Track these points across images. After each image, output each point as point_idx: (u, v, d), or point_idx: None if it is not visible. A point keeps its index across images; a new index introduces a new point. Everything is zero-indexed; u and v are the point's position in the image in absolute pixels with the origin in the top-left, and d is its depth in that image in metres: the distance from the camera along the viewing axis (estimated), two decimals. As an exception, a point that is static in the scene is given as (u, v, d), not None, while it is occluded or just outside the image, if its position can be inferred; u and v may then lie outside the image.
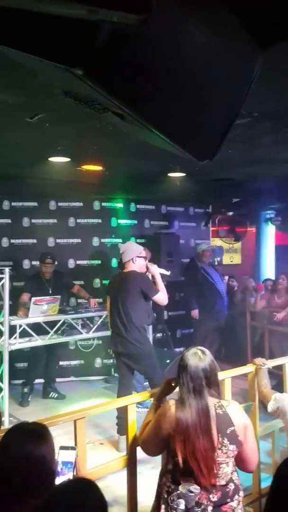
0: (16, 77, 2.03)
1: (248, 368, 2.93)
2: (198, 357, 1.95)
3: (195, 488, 1.74)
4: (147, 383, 5.32)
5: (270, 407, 2.65)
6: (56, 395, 5.17)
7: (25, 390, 5.01)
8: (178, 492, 1.81)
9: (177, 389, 2.06)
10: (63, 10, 1.02)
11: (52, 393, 5.19)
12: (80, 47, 1.25)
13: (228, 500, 1.90)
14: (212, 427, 1.87)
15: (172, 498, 1.87)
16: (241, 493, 1.98)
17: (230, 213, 6.65)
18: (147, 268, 3.92)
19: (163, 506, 1.93)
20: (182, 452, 1.85)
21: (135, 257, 3.88)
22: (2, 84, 2.14)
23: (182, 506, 1.83)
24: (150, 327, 5.33)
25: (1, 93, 2.23)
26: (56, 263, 5.22)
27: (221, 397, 2.02)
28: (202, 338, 5.69)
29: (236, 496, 1.94)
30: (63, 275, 5.38)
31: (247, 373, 2.94)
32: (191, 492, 1.73)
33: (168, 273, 4.35)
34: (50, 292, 4.97)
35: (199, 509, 1.77)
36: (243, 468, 2.01)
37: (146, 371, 3.95)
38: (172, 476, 1.92)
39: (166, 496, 1.93)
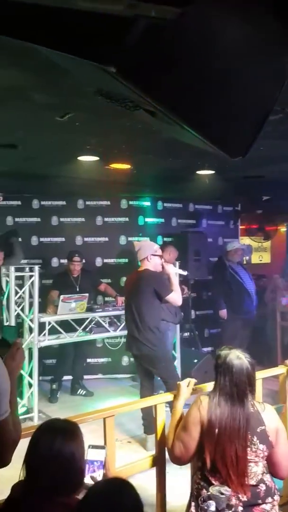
0: (49, 77, 2.05)
1: (280, 370, 2.87)
2: (242, 359, 1.91)
3: (226, 490, 1.72)
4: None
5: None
6: (84, 392, 5.22)
7: (54, 386, 5.08)
8: (209, 493, 1.79)
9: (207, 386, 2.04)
10: (102, 6, 1.02)
11: (80, 390, 5.24)
12: (113, 44, 1.24)
13: (259, 501, 1.87)
14: (247, 426, 1.85)
15: (202, 499, 1.85)
16: (276, 497, 1.93)
17: (260, 211, 6.54)
18: (163, 267, 3.82)
19: (193, 504, 1.92)
20: (211, 453, 1.83)
21: (150, 255, 3.77)
22: (36, 85, 2.16)
23: (212, 507, 1.81)
24: (178, 326, 5.31)
25: (35, 94, 2.26)
26: (83, 261, 5.27)
27: (255, 397, 1.98)
28: (231, 338, 5.61)
29: (269, 499, 1.90)
30: (90, 273, 5.42)
31: (278, 374, 2.88)
32: (222, 494, 1.71)
33: (185, 273, 4.28)
34: (78, 289, 5.03)
35: (230, 511, 1.75)
36: (275, 474, 1.97)
37: (161, 374, 3.82)
38: (202, 473, 1.91)
39: (196, 493, 1.93)
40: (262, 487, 1.89)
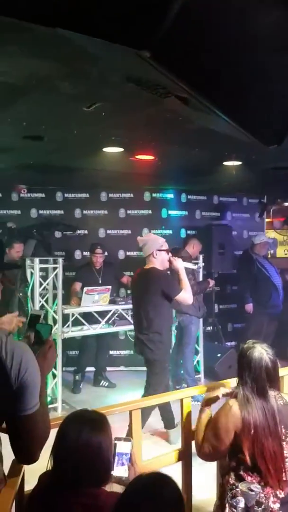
0: (76, 66, 2.02)
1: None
2: (262, 352, 1.88)
3: (256, 487, 1.69)
4: (198, 375, 5.30)
5: None
6: (107, 383, 5.24)
7: (77, 377, 5.12)
8: (239, 489, 1.76)
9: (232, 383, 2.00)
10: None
11: (103, 381, 5.27)
12: (148, 28, 1.20)
13: None
14: (277, 419, 1.83)
15: (231, 495, 1.83)
16: None
17: (287, 204, 6.39)
18: (170, 262, 3.51)
19: (227, 505, 1.87)
20: (250, 451, 1.81)
21: (156, 251, 3.45)
22: (62, 75, 2.14)
23: (242, 504, 1.78)
24: (201, 320, 5.27)
25: (61, 84, 2.24)
26: (106, 253, 5.27)
27: (279, 388, 1.96)
28: (256, 333, 5.53)
29: None
30: (112, 265, 5.42)
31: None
32: (252, 490, 1.68)
33: (195, 267, 4.03)
34: (100, 282, 5.05)
35: (260, 508, 1.72)
36: None
37: (149, 379, 3.54)
38: (236, 473, 1.88)
39: (230, 494, 1.88)
40: None
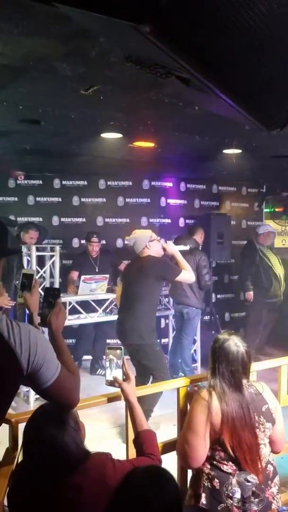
0: (74, 46, 1.96)
1: (306, 356, 2.78)
2: (238, 346, 1.88)
3: (253, 477, 1.67)
4: (195, 364, 5.30)
5: None
6: (104, 372, 5.23)
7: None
8: (235, 479, 1.75)
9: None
10: None
11: (99, 370, 5.27)
12: (148, 2, 1.14)
13: (269, 482, 1.86)
14: (250, 411, 1.84)
15: (227, 485, 1.81)
16: (278, 476, 1.94)
17: (286, 194, 6.34)
18: (164, 249, 3.62)
19: (203, 495, 1.86)
20: (230, 442, 1.80)
21: (148, 243, 3.55)
22: (61, 55, 2.07)
23: (237, 495, 1.77)
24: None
25: (59, 64, 2.17)
26: (103, 241, 5.23)
27: (248, 376, 1.96)
28: (255, 322, 5.55)
29: (276, 479, 1.91)
30: (109, 253, 5.39)
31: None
32: (248, 481, 1.66)
33: (187, 247, 4.08)
34: (97, 270, 5.02)
35: (256, 499, 1.70)
36: (273, 450, 1.96)
37: (150, 365, 3.55)
38: (210, 463, 1.87)
39: (206, 483, 1.87)
40: (270, 468, 1.89)
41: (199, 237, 5.14)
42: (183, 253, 3.72)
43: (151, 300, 3.57)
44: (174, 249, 3.61)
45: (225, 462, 1.83)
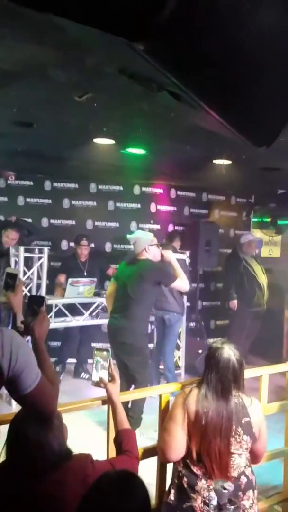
0: (70, 55, 1.99)
1: (287, 366, 2.83)
2: (229, 354, 1.90)
3: (229, 485, 1.70)
4: (179, 371, 5.32)
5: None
6: (87, 376, 5.24)
7: (57, 368, 5.10)
8: (212, 487, 1.78)
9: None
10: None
11: (83, 373, 5.27)
12: (144, 21, 1.18)
13: (240, 493, 1.87)
14: (232, 421, 1.85)
15: (204, 493, 1.84)
16: (256, 492, 1.94)
17: (273, 205, 6.44)
18: (162, 255, 3.69)
19: (172, 491, 1.91)
20: (197, 444, 1.83)
21: (148, 246, 3.61)
22: (56, 62, 2.10)
23: (214, 502, 1.80)
24: (184, 317, 5.30)
25: (55, 71, 2.20)
26: (92, 245, 5.24)
27: (242, 390, 1.97)
28: (239, 330, 5.59)
29: (250, 493, 1.91)
30: (98, 257, 5.40)
31: (285, 371, 2.84)
32: (225, 488, 1.69)
33: (184, 256, 4.15)
34: (85, 274, 5.02)
35: (232, 506, 1.74)
36: (251, 461, 1.99)
37: (134, 367, 3.58)
38: (184, 461, 1.90)
39: (176, 481, 1.91)
40: (244, 479, 1.89)
41: (177, 244, 5.25)
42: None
43: (147, 304, 3.63)
44: (172, 257, 3.69)
45: (196, 463, 1.85)
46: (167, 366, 4.85)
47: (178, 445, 1.87)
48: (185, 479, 1.86)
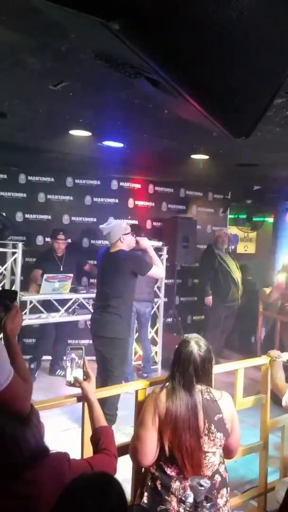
0: (44, 40, 1.91)
1: (262, 360, 2.84)
2: (193, 348, 1.89)
3: (206, 482, 1.67)
4: (155, 366, 5.31)
5: (285, 400, 2.58)
6: (63, 373, 5.16)
7: (32, 366, 5.01)
8: (187, 484, 1.75)
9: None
10: None
11: (59, 370, 5.19)
12: (119, 0, 1.13)
13: (214, 492, 1.86)
14: (199, 415, 1.84)
15: (179, 490, 1.81)
16: (228, 489, 1.95)
17: (249, 201, 6.49)
18: (137, 242, 3.62)
19: (145, 494, 1.88)
20: (169, 441, 1.81)
21: (122, 236, 3.54)
22: (30, 48, 2.02)
23: (190, 499, 1.77)
24: (161, 312, 5.28)
25: (28, 58, 2.11)
26: (69, 240, 5.15)
27: (211, 385, 1.97)
28: (214, 326, 5.64)
29: (224, 491, 1.90)
30: (75, 252, 5.32)
31: (259, 365, 2.85)
32: (201, 485, 1.67)
33: (160, 244, 4.14)
34: (61, 269, 4.93)
35: (209, 504, 1.71)
36: (226, 456, 1.99)
37: (112, 362, 3.55)
38: (157, 463, 1.87)
39: (150, 483, 1.88)
40: (218, 478, 1.88)
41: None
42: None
43: (128, 296, 3.58)
44: (147, 244, 3.63)
45: (169, 464, 1.83)
46: (147, 355, 4.84)
47: (150, 451, 1.84)
48: (158, 481, 1.84)
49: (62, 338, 5.24)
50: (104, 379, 3.54)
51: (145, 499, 1.86)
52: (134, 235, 3.68)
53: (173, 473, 1.82)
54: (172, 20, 1.20)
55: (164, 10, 1.13)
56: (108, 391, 2.45)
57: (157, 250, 5.21)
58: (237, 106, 1.44)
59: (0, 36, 1.99)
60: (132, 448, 1.89)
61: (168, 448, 1.81)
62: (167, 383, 1.91)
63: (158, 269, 3.60)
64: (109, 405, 3.47)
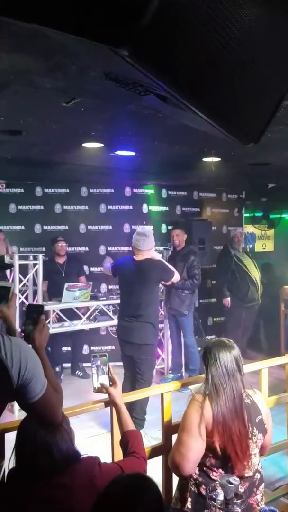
0: (55, 61, 2.00)
1: (286, 359, 2.86)
2: (227, 346, 1.92)
3: (235, 479, 1.71)
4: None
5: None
6: (82, 373, 5.34)
7: (57, 369, 5.13)
8: (217, 482, 1.79)
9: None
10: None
11: (78, 371, 5.37)
12: (127, 25, 1.19)
13: (255, 489, 1.89)
14: (245, 419, 1.85)
15: (210, 488, 1.85)
16: (263, 485, 1.97)
17: (264, 199, 6.48)
18: None
19: (189, 499, 1.90)
20: (221, 439, 1.82)
21: (153, 247, 3.85)
22: (42, 69, 2.11)
23: (221, 497, 1.81)
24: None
25: (40, 78, 2.21)
26: (86, 248, 5.30)
27: (243, 386, 1.97)
28: (235, 327, 5.62)
29: (261, 487, 1.94)
30: (76, 260, 5.47)
31: (284, 363, 2.87)
32: (231, 483, 1.71)
33: (160, 255, 4.32)
34: (63, 275, 5.08)
35: (239, 500, 1.75)
36: (260, 454, 1.99)
37: (142, 366, 3.69)
38: (200, 469, 1.89)
39: (193, 488, 1.90)
40: (257, 476, 1.92)
41: (181, 237, 5.34)
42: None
43: (155, 303, 3.83)
44: (157, 256, 3.91)
45: (215, 469, 1.85)
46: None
47: (195, 457, 1.84)
48: (203, 486, 1.85)
49: (79, 344, 5.42)
50: (132, 384, 3.61)
51: (189, 505, 1.88)
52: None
53: (217, 478, 1.81)
54: (178, 42, 1.26)
55: (169, 34, 1.19)
56: (134, 395, 2.51)
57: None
58: (244, 115, 1.49)
59: (13, 59, 2.09)
60: (175, 456, 1.86)
61: (220, 447, 1.81)
62: (206, 388, 1.90)
63: (177, 275, 3.92)
64: (138, 410, 3.55)
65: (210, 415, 1.84)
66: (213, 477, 1.86)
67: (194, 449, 1.83)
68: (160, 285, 4.47)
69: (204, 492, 1.85)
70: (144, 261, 3.71)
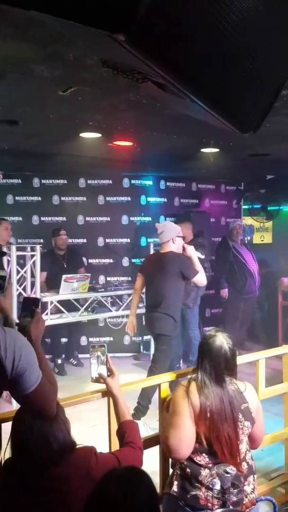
0: (52, 49, 1.97)
1: (283, 350, 2.87)
2: (222, 341, 1.93)
3: (231, 469, 1.72)
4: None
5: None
6: (76, 362, 5.37)
7: (59, 361, 5.14)
8: (214, 471, 1.80)
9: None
10: None
11: (72, 359, 5.39)
12: (124, 11, 1.17)
13: (242, 479, 1.89)
14: (232, 406, 1.88)
15: (207, 477, 1.87)
16: (255, 476, 1.98)
17: (263, 191, 6.46)
18: (184, 249, 3.81)
19: (175, 483, 1.92)
20: (206, 435, 1.84)
21: (175, 237, 3.79)
22: (38, 58, 2.08)
23: (217, 486, 1.83)
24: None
25: (37, 67, 2.18)
26: (84, 240, 5.27)
27: (235, 376, 2.01)
28: (233, 318, 5.64)
29: (251, 478, 1.94)
30: (76, 251, 5.47)
31: (281, 354, 2.88)
32: (227, 473, 1.72)
33: (202, 256, 4.26)
34: (65, 266, 5.08)
35: (235, 490, 1.76)
36: (251, 446, 2.01)
37: (156, 355, 3.83)
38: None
39: (179, 472, 1.93)
40: (245, 465, 1.92)
41: (185, 229, 5.26)
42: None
43: (176, 296, 3.82)
44: (193, 253, 3.79)
45: (199, 454, 1.87)
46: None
47: (190, 439, 1.86)
48: (188, 469, 1.88)
49: (75, 335, 5.42)
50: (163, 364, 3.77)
51: (175, 488, 1.91)
52: (184, 242, 3.89)
53: (202, 462, 1.85)
54: (176, 28, 1.24)
55: (167, 20, 1.17)
56: (130, 386, 2.50)
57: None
58: (243, 104, 1.48)
59: (9, 48, 2.06)
60: (169, 439, 1.88)
61: (206, 441, 1.84)
62: (194, 375, 1.94)
63: (203, 277, 3.79)
64: (143, 395, 3.64)
65: (197, 399, 1.86)
66: (197, 461, 1.87)
67: (188, 429, 1.86)
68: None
69: (189, 475, 1.87)
70: (167, 253, 3.77)
